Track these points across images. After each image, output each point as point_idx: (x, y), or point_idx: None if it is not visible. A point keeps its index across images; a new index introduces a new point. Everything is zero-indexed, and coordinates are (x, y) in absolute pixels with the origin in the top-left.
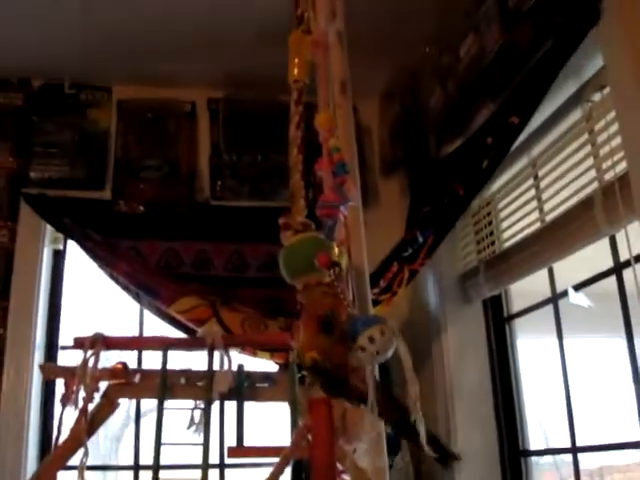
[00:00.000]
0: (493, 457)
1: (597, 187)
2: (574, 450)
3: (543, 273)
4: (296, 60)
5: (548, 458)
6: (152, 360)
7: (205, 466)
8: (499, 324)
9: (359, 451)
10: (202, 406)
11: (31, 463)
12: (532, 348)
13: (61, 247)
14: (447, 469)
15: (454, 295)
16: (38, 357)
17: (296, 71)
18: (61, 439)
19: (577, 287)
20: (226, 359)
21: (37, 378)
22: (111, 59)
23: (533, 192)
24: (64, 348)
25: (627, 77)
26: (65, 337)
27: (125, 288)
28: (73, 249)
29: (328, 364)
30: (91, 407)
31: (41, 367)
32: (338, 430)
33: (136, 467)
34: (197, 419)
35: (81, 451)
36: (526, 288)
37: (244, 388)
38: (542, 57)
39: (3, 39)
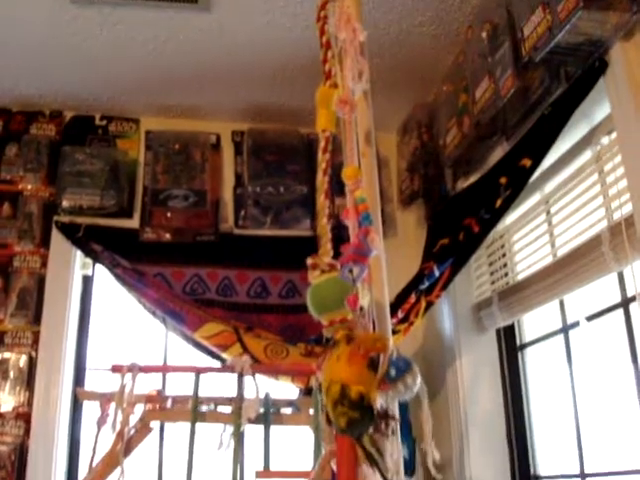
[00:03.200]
0: None
1: (606, 225)
2: (582, 476)
3: (556, 309)
4: (323, 112)
5: None
6: (178, 385)
7: None
8: (512, 352)
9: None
10: (231, 430)
11: None
12: (544, 374)
13: (90, 273)
14: None
15: (468, 324)
16: (67, 379)
17: (323, 121)
18: (96, 459)
19: (590, 318)
20: (254, 386)
21: (66, 399)
22: (139, 92)
23: (545, 227)
24: (92, 370)
25: (632, 124)
26: (93, 359)
27: (152, 313)
28: (101, 275)
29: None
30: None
31: (77, 391)
32: (360, 457)
33: None
34: (226, 442)
35: (118, 471)
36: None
37: (270, 414)
38: (554, 103)
39: (36, 73)
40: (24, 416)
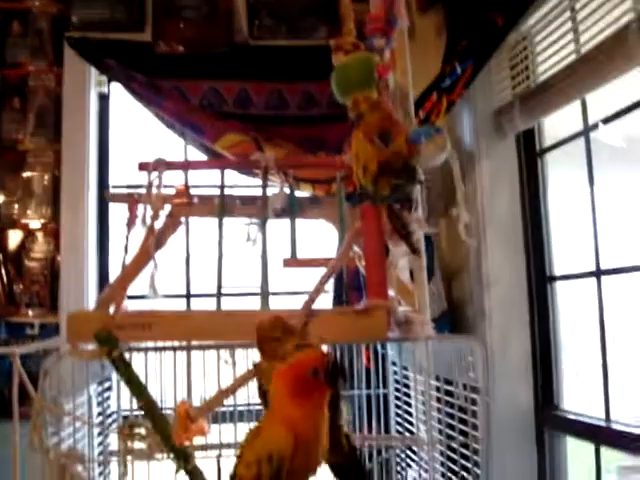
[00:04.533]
0: (521, 282)
1: (632, 17)
2: (598, 273)
3: (577, 113)
4: None
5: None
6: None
7: (264, 280)
8: (531, 158)
9: (400, 265)
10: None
11: (92, 293)
12: (563, 182)
13: (106, 90)
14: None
15: (488, 130)
16: (91, 194)
17: None
18: (128, 259)
19: (607, 120)
20: (279, 179)
21: (92, 215)
22: None
23: (569, 25)
24: (114, 187)
25: None
26: (114, 177)
27: (170, 126)
28: (117, 93)
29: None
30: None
31: (107, 194)
32: (386, 233)
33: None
34: (253, 235)
35: (151, 264)
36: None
37: (295, 208)
38: None
39: None
40: (53, 231)
